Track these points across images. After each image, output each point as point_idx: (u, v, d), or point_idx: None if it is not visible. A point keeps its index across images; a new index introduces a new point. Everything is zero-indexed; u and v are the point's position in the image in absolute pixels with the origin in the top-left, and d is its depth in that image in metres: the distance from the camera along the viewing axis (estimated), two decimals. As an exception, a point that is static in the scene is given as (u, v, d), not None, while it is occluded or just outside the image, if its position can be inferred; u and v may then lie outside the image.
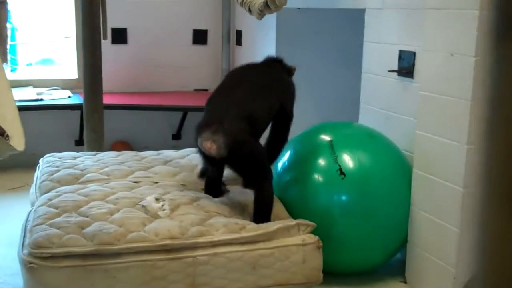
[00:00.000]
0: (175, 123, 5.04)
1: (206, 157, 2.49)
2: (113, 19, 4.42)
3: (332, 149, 2.70)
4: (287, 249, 2.40)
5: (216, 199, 2.67)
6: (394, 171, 2.76)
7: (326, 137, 2.79)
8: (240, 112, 2.47)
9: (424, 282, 2.68)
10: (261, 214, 2.51)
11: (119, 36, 4.83)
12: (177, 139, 5.10)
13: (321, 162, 2.72)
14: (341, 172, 2.64)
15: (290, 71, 2.90)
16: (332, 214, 2.64)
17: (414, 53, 2.85)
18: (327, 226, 2.59)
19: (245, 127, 2.44)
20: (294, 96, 2.81)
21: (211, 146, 2.40)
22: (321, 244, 2.47)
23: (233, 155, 2.41)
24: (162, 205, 2.50)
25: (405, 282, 2.80)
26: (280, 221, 2.46)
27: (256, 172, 2.50)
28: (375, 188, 2.68)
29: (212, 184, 2.73)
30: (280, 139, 2.79)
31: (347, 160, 2.67)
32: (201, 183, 2.82)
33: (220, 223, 2.39)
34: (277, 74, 2.79)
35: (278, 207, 2.65)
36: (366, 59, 3.26)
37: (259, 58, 4.59)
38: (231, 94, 2.57)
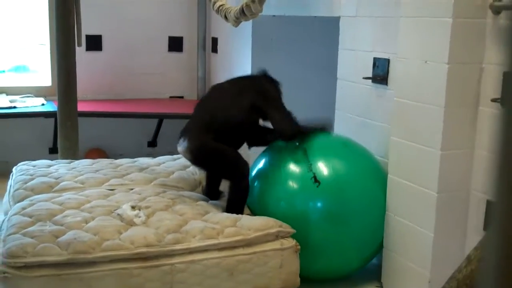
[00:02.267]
0: (150, 130, 5.01)
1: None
2: (88, 26, 4.39)
3: (306, 157, 2.70)
4: (265, 254, 2.40)
5: (193, 204, 2.68)
6: (369, 177, 2.78)
7: (300, 145, 2.79)
8: (204, 121, 2.72)
9: (400, 287, 2.69)
10: (233, 206, 2.69)
11: (94, 43, 4.79)
12: (152, 146, 5.07)
13: (296, 170, 2.72)
14: (316, 180, 2.64)
15: (273, 81, 2.95)
16: (308, 221, 2.64)
17: (388, 60, 2.87)
18: (302, 233, 2.59)
19: (207, 134, 2.68)
20: (274, 98, 2.82)
21: (181, 151, 2.76)
22: (299, 247, 2.48)
23: (196, 158, 2.73)
24: (138, 213, 2.48)
25: (381, 287, 2.81)
26: (260, 225, 2.46)
27: (224, 169, 2.74)
28: (351, 195, 2.68)
29: (210, 187, 2.94)
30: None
31: (322, 168, 2.68)
32: (181, 186, 2.96)
33: (196, 229, 2.38)
34: (249, 80, 2.90)
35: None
36: (341, 66, 3.27)
37: (234, 65, 4.62)
38: (201, 104, 2.87)
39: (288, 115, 2.78)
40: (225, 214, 2.57)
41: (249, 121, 2.78)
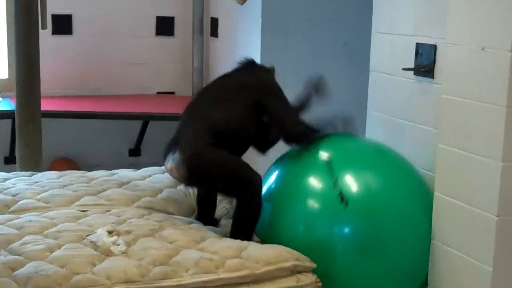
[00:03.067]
0: (133, 135, 5.01)
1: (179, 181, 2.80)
2: (55, 3, 4.40)
3: (331, 170, 2.70)
4: (277, 293, 2.40)
5: (185, 227, 2.69)
6: (409, 196, 2.76)
7: (323, 154, 2.79)
8: (199, 125, 2.71)
9: (450, 336, 2.68)
10: (240, 228, 2.69)
11: (62, 24, 4.81)
12: (135, 155, 5.08)
13: (317, 186, 2.71)
14: (343, 198, 2.64)
15: (268, 71, 3.00)
16: (332, 252, 2.63)
17: (435, 47, 2.86)
18: (325, 266, 2.58)
19: (205, 140, 2.67)
20: (276, 91, 2.87)
21: (171, 167, 2.70)
22: (320, 284, 2.48)
23: (194, 172, 2.66)
24: (116, 239, 2.48)
25: (426, 336, 2.80)
26: (271, 257, 2.45)
27: (231, 184, 2.71)
28: (386, 218, 2.67)
29: (202, 214, 2.95)
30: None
31: (350, 183, 2.66)
32: (171, 211, 2.93)
33: (190, 260, 2.38)
34: (247, 74, 2.93)
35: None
36: (374, 55, 3.27)
37: (240, 53, 4.61)
38: (192, 107, 2.87)
39: (293, 109, 2.85)
40: (227, 241, 2.57)
41: (254, 123, 2.81)
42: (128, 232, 2.56)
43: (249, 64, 2.98)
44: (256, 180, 2.69)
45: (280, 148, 2.96)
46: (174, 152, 2.69)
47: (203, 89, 3.03)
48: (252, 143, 2.90)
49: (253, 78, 2.89)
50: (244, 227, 2.71)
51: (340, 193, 2.65)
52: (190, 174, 2.67)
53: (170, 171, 2.75)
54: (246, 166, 2.72)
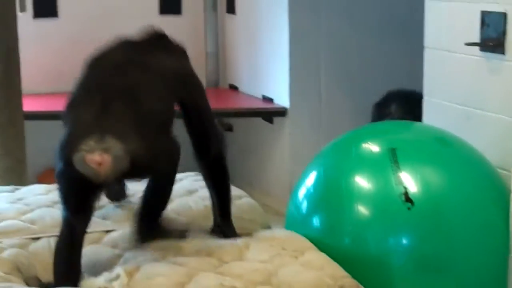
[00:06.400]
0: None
1: (87, 184, 2.53)
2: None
3: (394, 162, 2.66)
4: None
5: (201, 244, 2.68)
6: (483, 196, 2.73)
7: (383, 144, 2.75)
8: (127, 111, 2.52)
9: None
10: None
11: (46, 6, 4.83)
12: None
13: (374, 182, 2.68)
14: (408, 198, 2.62)
15: (177, 51, 2.93)
16: (392, 266, 2.61)
17: (504, 15, 2.84)
18: (382, 284, 2.58)
19: (150, 124, 2.53)
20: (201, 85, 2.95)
21: (102, 158, 2.40)
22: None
23: (141, 164, 2.47)
24: (112, 275, 2.47)
25: None
26: (308, 285, 2.43)
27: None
28: (456, 224, 2.64)
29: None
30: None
31: (411, 180, 2.63)
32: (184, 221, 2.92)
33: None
34: (160, 57, 2.80)
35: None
36: (429, 28, 3.26)
37: (262, 32, 4.59)
38: (104, 91, 2.63)
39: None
40: (254, 263, 2.55)
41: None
42: (133, 259, 2.54)
43: (161, 39, 2.87)
44: (178, 148, 2.63)
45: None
46: (103, 139, 2.42)
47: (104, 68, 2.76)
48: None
49: (171, 67, 2.82)
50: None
51: (405, 193, 2.61)
52: (133, 166, 2.44)
53: (97, 164, 2.42)
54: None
